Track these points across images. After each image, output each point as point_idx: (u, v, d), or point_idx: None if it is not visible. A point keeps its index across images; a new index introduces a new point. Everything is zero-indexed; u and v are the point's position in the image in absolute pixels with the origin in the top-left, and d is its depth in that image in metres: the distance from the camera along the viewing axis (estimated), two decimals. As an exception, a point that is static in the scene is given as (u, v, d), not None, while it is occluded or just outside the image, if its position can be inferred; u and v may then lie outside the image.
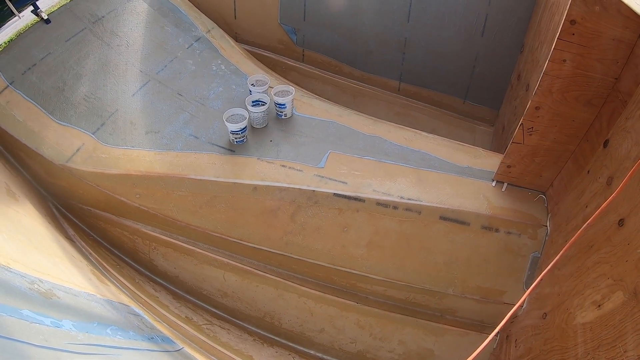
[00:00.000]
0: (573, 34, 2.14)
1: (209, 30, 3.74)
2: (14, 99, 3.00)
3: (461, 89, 4.03)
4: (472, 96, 4.05)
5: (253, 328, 2.94)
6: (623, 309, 1.69)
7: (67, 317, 2.09)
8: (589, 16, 2.08)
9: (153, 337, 2.48)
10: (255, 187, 2.70)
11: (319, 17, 3.94)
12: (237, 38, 4.13)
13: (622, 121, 2.08)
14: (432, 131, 3.52)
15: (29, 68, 3.10)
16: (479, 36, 3.69)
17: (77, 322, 2.11)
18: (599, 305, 1.85)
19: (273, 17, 3.99)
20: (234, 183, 2.72)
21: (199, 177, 2.75)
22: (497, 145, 3.85)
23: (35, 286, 2.13)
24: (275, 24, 4.03)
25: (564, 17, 2.11)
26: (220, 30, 3.86)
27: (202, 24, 3.75)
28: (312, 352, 2.94)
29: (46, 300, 2.10)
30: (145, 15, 3.59)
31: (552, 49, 2.20)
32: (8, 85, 3.02)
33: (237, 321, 2.94)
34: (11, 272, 2.11)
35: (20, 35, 3.25)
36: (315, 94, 3.69)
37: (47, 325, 1.93)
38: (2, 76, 3.06)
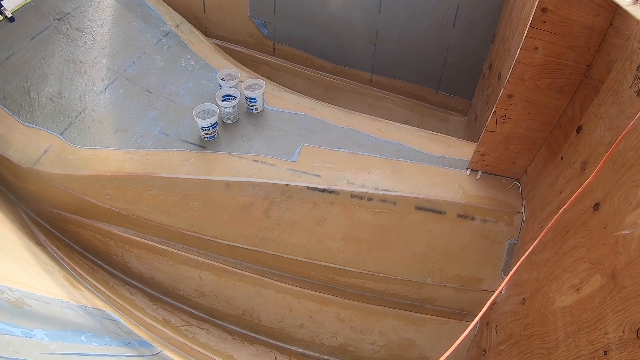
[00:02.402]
0: (545, 22, 2.09)
1: (178, 25, 3.59)
2: None
3: (433, 80, 3.97)
4: (445, 86, 3.99)
5: (232, 327, 2.83)
6: (602, 292, 1.66)
7: (38, 326, 1.98)
8: (561, 4, 2.03)
9: (130, 341, 2.36)
10: (227, 184, 2.59)
11: (290, 10, 3.84)
12: (206, 33, 4.01)
13: (594, 107, 2.05)
14: (405, 122, 3.46)
15: (-7, 69, 2.94)
16: (450, 27, 3.63)
17: (49, 331, 2.00)
18: (578, 289, 1.82)
19: (243, 11, 3.87)
20: (206, 180, 2.61)
21: (170, 175, 2.63)
22: (470, 134, 3.80)
23: (5, 295, 2.01)
24: (245, 18, 3.91)
25: (536, 5, 2.06)
26: (190, 24, 3.71)
27: (170, 18, 3.61)
28: (293, 348, 2.85)
29: (16, 309, 1.98)
30: (112, 11, 3.43)
31: (523, 37, 2.15)
32: None
33: (216, 320, 2.83)
34: None
35: (-17, 36, 3.08)
36: (287, 88, 3.58)
37: (18, 335, 1.83)
38: None
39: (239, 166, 2.66)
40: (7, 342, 1.75)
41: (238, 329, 2.84)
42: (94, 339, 2.17)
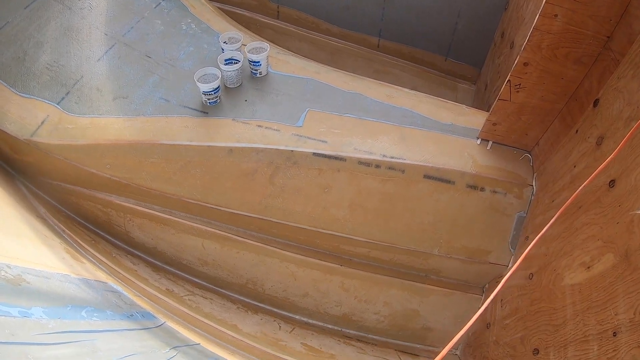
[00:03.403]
0: None
1: (178, -12, 3.48)
2: None
3: (443, 46, 3.87)
4: (454, 54, 3.89)
5: (236, 295, 2.83)
6: (614, 271, 1.63)
7: (37, 304, 1.95)
8: None
9: (133, 314, 2.34)
10: (230, 150, 2.53)
11: (295, -29, 3.70)
12: None
13: (613, 80, 1.98)
14: (413, 89, 3.36)
15: (-14, 41, 2.86)
16: None
17: (48, 308, 1.96)
18: (588, 267, 1.79)
19: (246, -28, 3.73)
20: (209, 146, 2.55)
21: (171, 142, 2.57)
22: (479, 103, 3.73)
23: (2, 273, 1.97)
24: (248, -21, 3.77)
25: None
26: (190, -13, 3.59)
27: (170, -19, 3.49)
28: (297, 317, 2.85)
29: (14, 287, 1.95)
30: (109, -26, 3.32)
31: (543, 2, 2.06)
32: None
33: (220, 289, 2.83)
34: None
35: (-24, 7, 2.99)
36: (292, 52, 3.49)
37: (15, 316, 1.79)
38: None
39: (243, 132, 2.59)
40: (3, 324, 1.71)
41: (242, 298, 2.83)
42: (95, 314, 2.14)
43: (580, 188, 1.74)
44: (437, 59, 3.96)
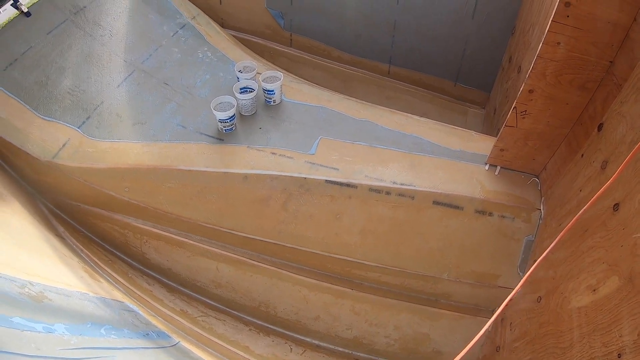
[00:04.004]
0: (567, 16, 2.10)
1: (194, 17, 3.66)
2: None
3: (452, 72, 3.99)
4: (463, 79, 4.01)
5: (248, 318, 2.92)
6: (618, 293, 1.68)
7: (59, 321, 2.06)
8: None
9: (148, 333, 2.44)
10: (245, 176, 2.66)
11: (307, 0, 3.87)
12: (223, 24, 4.05)
13: (616, 105, 2.06)
14: (424, 114, 3.49)
15: (10, 64, 3.02)
16: (469, 18, 3.64)
17: (69, 325, 2.08)
18: (594, 290, 1.84)
19: (259, 2, 3.92)
20: (224, 173, 2.67)
21: (188, 168, 2.70)
22: (488, 127, 3.82)
23: (26, 290, 2.08)
24: (261, 9, 3.96)
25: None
26: (206, 16, 3.78)
27: (186, 10, 3.67)
28: (308, 339, 2.92)
29: (37, 304, 2.07)
30: (128, 4, 3.50)
31: (546, 31, 2.16)
32: None
33: (233, 311, 2.92)
34: (1, 277, 2.08)
35: (0, 31, 3.16)
36: (305, 79, 3.63)
37: (39, 331, 1.90)
38: None
39: (257, 159, 2.72)
40: (29, 338, 1.81)
41: (254, 320, 2.92)
42: (112, 332, 2.24)
43: (581, 212, 1.82)
44: (447, 84, 4.08)
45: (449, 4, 3.60)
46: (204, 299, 2.92)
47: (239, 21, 4.07)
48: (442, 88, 4.11)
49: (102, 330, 2.16)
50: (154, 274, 2.95)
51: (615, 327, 1.65)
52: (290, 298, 2.86)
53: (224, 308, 2.92)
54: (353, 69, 4.16)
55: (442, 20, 3.70)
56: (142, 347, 2.23)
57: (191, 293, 2.93)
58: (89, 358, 1.90)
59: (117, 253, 2.98)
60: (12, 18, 3.29)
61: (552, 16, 2.12)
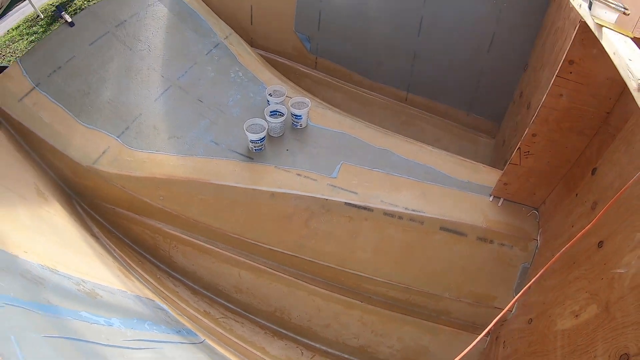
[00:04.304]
0: (571, 73, 2.49)
1: (227, 37, 4.09)
2: (41, 101, 3.35)
3: (466, 102, 4.42)
4: (476, 109, 4.44)
5: (264, 322, 3.33)
6: (596, 320, 2.02)
7: (113, 316, 2.40)
8: (587, 58, 2.42)
9: (180, 330, 2.82)
10: (272, 194, 3.08)
11: (333, 27, 4.32)
12: (252, 43, 4.49)
13: (609, 153, 2.44)
14: (436, 141, 3.91)
15: (54, 71, 3.44)
16: (485, 52, 4.07)
17: (122, 319, 2.42)
18: (577, 315, 2.19)
19: (288, 25, 4.37)
20: (253, 189, 3.10)
21: (220, 183, 3.13)
22: (497, 157, 4.24)
23: (81, 287, 2.44)
24: (290, 32, 4.41)
25: (564, 57, 2.45)
26: (237, 36, 4.22)
27: (220, 29, 4.11)
28: (317, 345, 3.32)
29: (92, 300, 2.41)
30: (166, 20, 3.94)
31: (550, 84, 2.55)
32: (34, 87, 3.37)
33: (250, 315, 3.33)
34: (59, 274, 2.42)
35: (45, 38, 3.56)
36: (326, 101, 4.06)
37: (102, 324, 2.24)
38: (28, 78, 3.39)
39: (284, 179, 3.14)
40: (98, 330, 2.17)
41: (269, 325, 3.32)
42: (154, 327, 2.60)
43: (565, 248, 2.16)
44: (460, 113, 4.49)
45: (467, 38, 4.02)
46: (225, 302, 3.33)
47: (267, 41, 4.51)
48: (456, 117, 4.52)
49: (146, 325, 2.53)
50: (178, 276, 3.36)
51: (591, 349, 2.00)
52: (304, 306, 3.27)
53: (242, 312, 3.32)
54: (372, 93, 4.58)
55: (459, 53, 4.12)
56: (179, 342, 2.62)
57: (213, 296, 3.33)
58: (145, 348, 2.28)
59: (146, 255, 3.39)
60: (57, 27, 3.72)
61: (557, 72, 2.50)
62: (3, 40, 7.76)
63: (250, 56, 4.03)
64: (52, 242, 2.75)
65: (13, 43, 7.71)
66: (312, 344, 3.32)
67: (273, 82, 3.86)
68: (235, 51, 4.01)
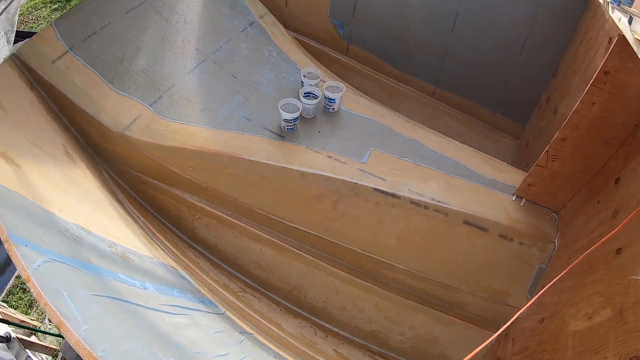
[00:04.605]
0: (605, 83, 2.68)
1: (262, 16, 4.30)
2: (74, 64, 3.52)
3: (492, 101, 4.63)
4: (502, 109, 4.65)
5: (280, 300, 3.54)
6: (609, 323, 2.21)
7: (146, 280, 2.55)
8: (622, 69, 2.61)
9: (203, 300, 2.98)
10: (303, 174, 3.29)
11: (368, 15, 4.50)
12: (285, 25, 4.68)
13: (634, 164, 2.63)
14: (460, 137, 4.12)
15: (89, 36, 3.61)
16: (516, 54, 4.27)
17: (155, 285, 2.58)
18: (590, 318, 2.38)
19: (323, 10, 4.55)
20: (283, 167, 3.30)
21: (251, 158, 3.33)
22: (519, 159, 4.45)
23: (113, 249, 2.61)
24: (324, 16, 4.59)
25: (600, 67, 2.64)
26: (272, 16, 4.42)
27: (255, 8, 4.31)
28: (330, 327, 3.54)
29: (126, 263, 2.57)
30: (203, -6, 4.14)
31: (584, 92, 2.75)
32: (68, 51, 3.54)
33: (267, 292, 3.54)
34: (93, 235, 2.58)
35: (80, 4, 3.72)
36: (354, 87, 4.27)
37: (138, 287, 2.40)
38: (62, 41, 3.56)
39: (314, 160, 3.35)
40: (137, 293, 2.31)
41: (285, 303, 3.54)
42: (182, 295, 2.77)
43: (586, 253, 2.39)
44: (486, 112, 4.71)
45: (500, 39, 4.22)
46: (243, 277, 3.54)
47: (301, 24, 4.70)
48: (481, 115, 4.74)
49: (175, 292, 2.71)
50: (199, 248, 3.57)
51: (602, 350, 2.19)
52: (322, 287, 3.49)
53: (260, 288, 3.54)
54: (400, 84, 4.79)
55: (490, 52, 4.33)
56: (205, 311, 2.80)
57: (232, 270, 3.55)
58: (179, 314, 2.46)
59: (168, 225, 3.60)
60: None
61: (592, 80, 2.71)
62: (26, 7, 7.96)
63: (284, 37, 4.23)
64: (83, 203, 2.93)
65: (36, 10, 7.93)
66: (325, 325, 3.54)
67: (306, 64, 4.06)
68: (270, 31, 4.21)
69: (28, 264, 1.94)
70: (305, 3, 4.60)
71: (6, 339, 3.68)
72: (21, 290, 4.76)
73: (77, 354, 4.56)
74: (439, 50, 4.49)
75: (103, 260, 2.42)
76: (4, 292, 4.73)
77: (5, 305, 4.41)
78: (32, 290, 1.87)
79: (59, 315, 1.72)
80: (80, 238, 2.48)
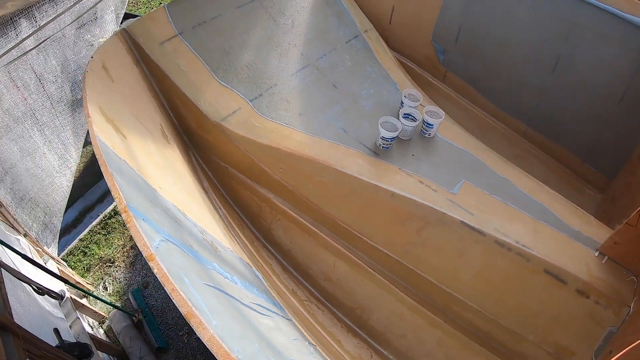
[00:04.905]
0: None
1: (367, 30, 4.48)
2: (181, 48, 3.76)
3: (582, 149, 4.69)
4: (591, 159, 4.70)
5: (342, 316, 3.65)
6: None
7: (234, 274, 2.66)
8: None
9: (275, 303, 3.08)
10: (393, 194, 3.42)
11: (470, 44, 4.63)
12: (386, 42, 4.82)
13: None
14: (545, 182, 4.20)
15: (199, 24, 3.85)
16: (615, 104, 4.32)
17: (241, 280, 2.69)
18: None
19: (426, 33, 4.71)
20: (374, 185, 3.43)
21: (343, 170, 3.47)
22: (601, 213, 4.46)
23: (205, 237, 2.74)
24: (426, 40, 4.75)
25: None
26: (376, 32, 4.59)
27: (360, 22, 4.50)
28: (386, 353, 3.61)
29: (215, 253, 2.69)
30: (312, 1, 4.34)
31: None
32: (177, 35, 3.78)
33: (330, 306, 3.66)
34: (188, 220, 2.74)
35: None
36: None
37: (229, 280, 2.50)
38: (172, 25, 3.81)
39: (406, 182, 3.47)
40: (232, 287, 2.39)
41: (346, 320, 3.65)
42: (260, 295, 2.87)
43: None
44: (574, 159, 4.76)
45: (600, 87, 4.29)
46: (309, 286, 3.69)
47: (401, 44, 4.87)
48: (568, 162, 4.80)
49: (255, 291, 2.82)
50: (272, 250, 3.74)
51: None
52: (388, 311, 3.60)
53: (324, 300, 3.67)
54: (493, 119, 4.90)
55: (589, 100, 4.39)
56: (280, 315, 2.91)
57: (299, 277, 3.70)
58: (264, 315, 2.53)
59: (246, 220, 3.80)
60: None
61: None
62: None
63: (387, 55, 4.41)
64: (177, 185, 3.12)
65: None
66: (382, 350, 3.62)
67: (405, 84, 4.21)
68: (373, 46, 4.39)
69: (150, 241, 2.08)
70: (409, 24, 4.76)
71: (60, 297, 3.87)
72: (81, 253, 5.02)
73: (125, 326, 4.79)
74: (537, 89, 4.57)
75: (200, 247, 2.53)
76: (65, 251, 5.02)
77: (64, 263, 4.67)
78: (155, 270, 1.95)
79: (190, 305, 1.78)
80: (179, 220, 2.63)
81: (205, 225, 2.99)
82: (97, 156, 2.41)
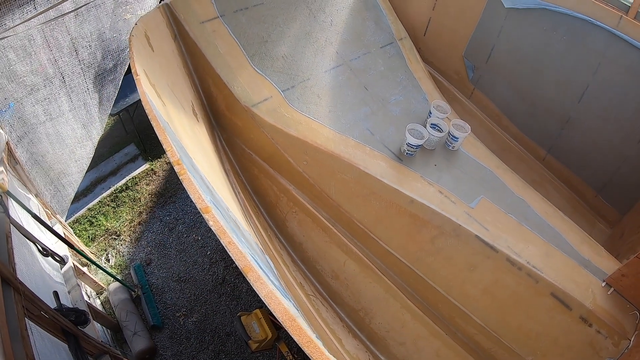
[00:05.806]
0: None
1: (402, 39, 4.58)
2: (220, 30, 3.84)
3: (599, 182, 4.78)
4: (605, 193, 4.79)
5: (344, 316, 3.72)
6: None
7: (255, 255, 2.66)
8: None
9: (285, 294, 3.04)
10: (412, 200, 3.50)
11: (501, 65, 4.73)
12: (419, 53, 4.91)
13: None
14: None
15: (241, 9, 3.94)
16: (635, 141, 4.41)
17: (261, 263, 2.69)
18: None
19: (459, 49, 4.81)
20: (395, 189, 3.51)
21: (365, 170, 3.55)
22: (610, 247, 4.53)
23: (230, 214, 2.81)
24: (458, 55, 4.85)
25: None
26: (411, 41, 4.68)
27: (396, 29, 4.59)
28: (383, 358, 3.68)
29: (239, 231, 2.73)
30: (352, 2, 4.44)
31: None
32: (218, 17, 3.87)
33: (334, 304, 3.74)
34: (216, 195, 2.80)
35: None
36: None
37: (250, 259, 2.39)
38: (215, 6, 3.89)
39: (426, 190, 3.55)
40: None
41: (348, 321, 3.72)
42: (275, 281, 2.86)
43: None
44: (589, 191, 4.86)
45: (623, 121, 4.38)
46: (316, 282, 3.76)
47: (433, 57, 4.97)
48: (583, 193, 4.90)
49: (271, 277, 2.80)
50: (283, 241, 3.82)
51: None
52: (391, 317, 3.66)
53: (328, 297, 3.74)
54: (514, 142, 4.99)
55: (611, 133, 4.49)
56: (293, 306, 2.98)
57: (307, 272, 3.78)
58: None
59: (262, 209, 3.90)
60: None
61: None
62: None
63: (418, 64, 4.51)
64: (204, 161, 3.20)
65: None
66: (379, 355, 3.69)
67: (434, 96, 4.30)
68: (407, 55, 4.50)
69: (204, 195, 2.17)
70: (444, 37, 4.86)
71: (63, 261, 3.95)
72: (88, 222, 5.11)
73: (123, 299, 4.86)
74: (561, 117, 4.67)
75: (227, 221, 2.57)
76: (72, 218, 5.11)
77: (71, 230, 4.76)
78: (210, 222, 2.01)
79: (249, 259, 1.83)
80: (212, 191, 2.72)
81: (230, 205, 3.08)
82: (147, 111, 2.51)
